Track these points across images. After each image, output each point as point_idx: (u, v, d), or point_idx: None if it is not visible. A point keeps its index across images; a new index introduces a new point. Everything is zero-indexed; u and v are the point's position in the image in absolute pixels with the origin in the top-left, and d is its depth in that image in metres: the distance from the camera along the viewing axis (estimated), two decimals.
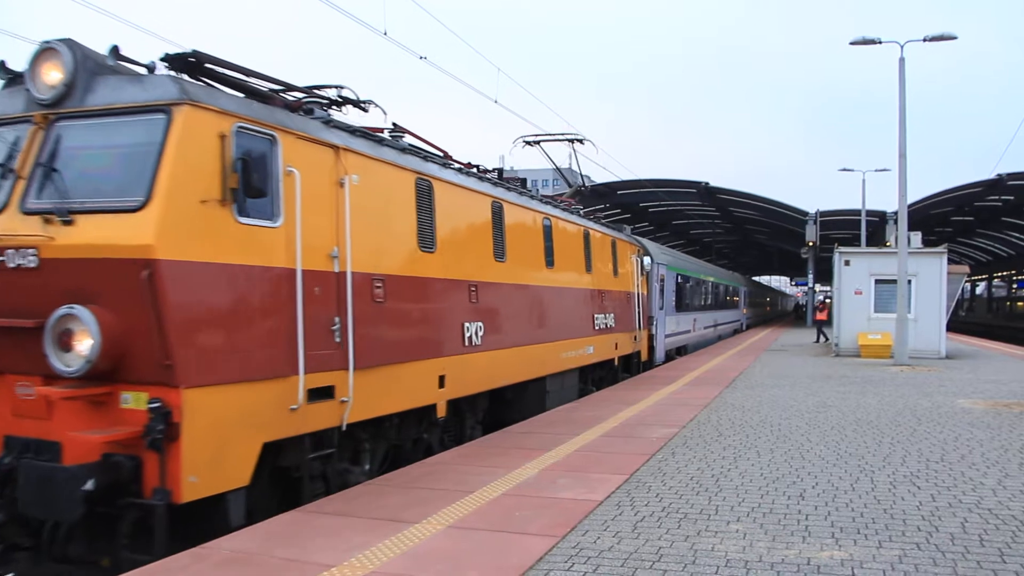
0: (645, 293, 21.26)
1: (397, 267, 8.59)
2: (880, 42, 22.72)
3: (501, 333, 11.17)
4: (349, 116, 8.72)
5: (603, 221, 19.26)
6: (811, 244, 44.92)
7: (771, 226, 56.96)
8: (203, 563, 5.37)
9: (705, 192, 47.11)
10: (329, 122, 7.88)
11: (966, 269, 33.27)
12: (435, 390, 9.36)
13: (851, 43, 22.92)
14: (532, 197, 13.51)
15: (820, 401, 13.80)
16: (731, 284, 44.55)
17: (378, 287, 8.13)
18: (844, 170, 43.54)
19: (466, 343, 10.06)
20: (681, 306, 27.37)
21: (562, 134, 16.97)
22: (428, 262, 9.25)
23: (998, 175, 39.33)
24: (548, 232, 13.49)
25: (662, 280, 23.41)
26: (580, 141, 17.11)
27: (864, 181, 43.90)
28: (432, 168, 9.70)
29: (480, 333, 10.41)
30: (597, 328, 16.08)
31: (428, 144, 10.37)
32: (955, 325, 38.82)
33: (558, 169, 18.62)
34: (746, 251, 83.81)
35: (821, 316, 35.38)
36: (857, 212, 44.19)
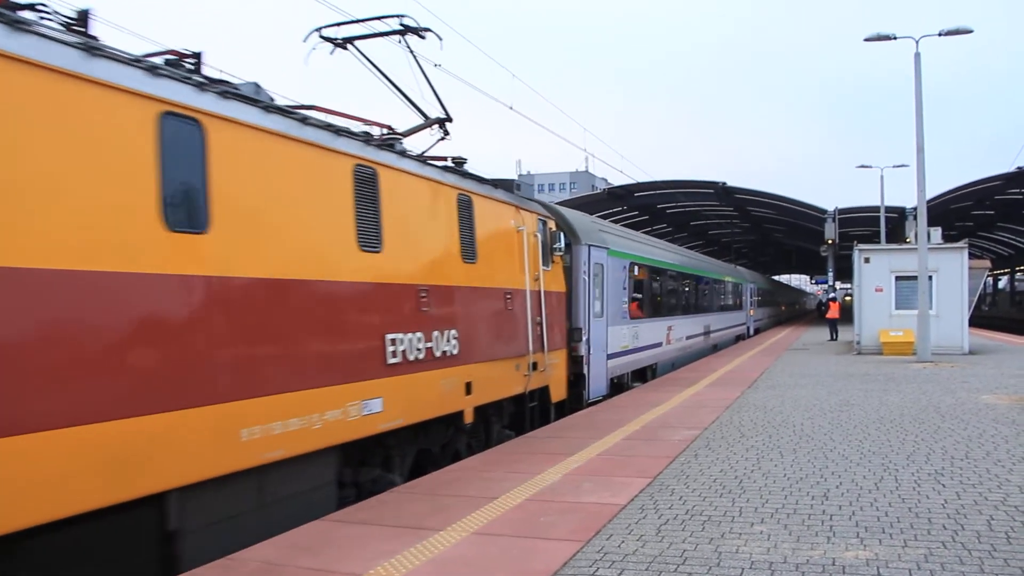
0: (563, 291, 13.87)
1: None
2: (895, 38, 22.62)
3: None
4: None
5: (465, 173, 10.86)
6: (830, 242, 44.64)
7: (789, 224, 56.69)
8: (231, 575, 5.43)
9: (722, 192, 46.95)
10: None
11: (988, 263, 33.00)
12: None
13: (865, 39, 22.86)
14: (167, 74, 6.10)
15: (843, 400, 13.74)
16: (730, 279, 36.39)
17: None
18: (862, 167, 43.55)
19: None
20: (643, 309, 19.86)
21: (381, 17, 10.11)
22: None
23: (1018, 168, 38.93)
24: (217, 160, 6.25)
25: (601, 272, 16.01)
26: (419, 35, 10.19)
27: (882, 177, 43.69)
28: None
29: None
30: (398, 360, 8.36)
31: None
32: (978, 320, 38.47)
33: (391, 83, 10.45)
34: (765, 250, 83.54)
35: (832, 314, 35.10)
36: (876, 208, 43.86)
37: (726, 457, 8.98)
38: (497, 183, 11.87)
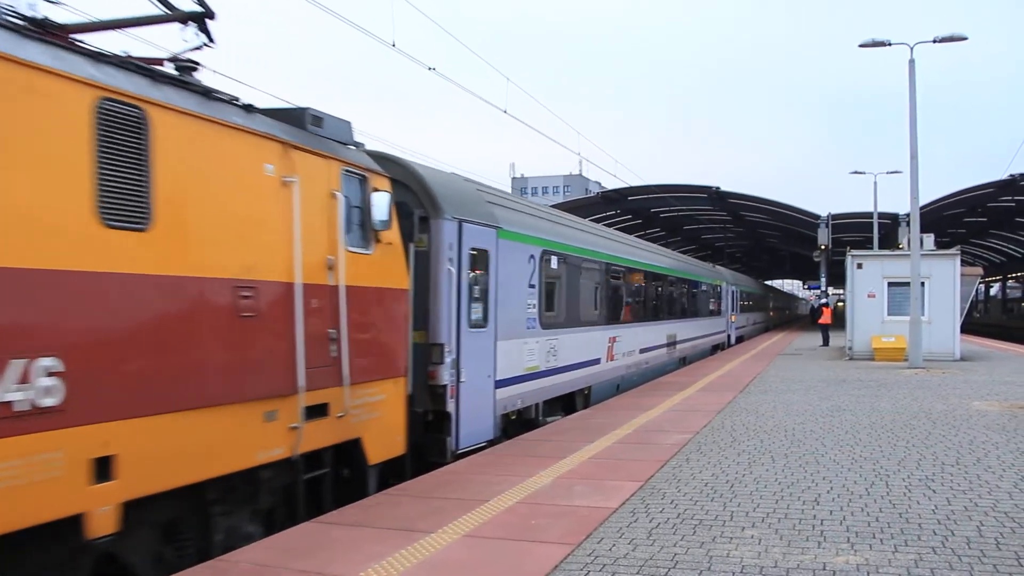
0: (403, 288, 8.93)
1: None
2: (890, 44, 22.71)
3: None
4: None
5: (148, 71, 5.92)
6: (823, 247, 44.76)
7: (783, 230, 56.85)
8: None
9: (716, 197, 47.04)
10: None
11: (980, 271, 33.17)
12: None
13: (860, 45, 22.91)
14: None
15: (834, 405, 13.76)
16: (705, 280, 30.50)
17: None
18: (855, 173, 43.76)
19: None
20: (568, 315, 14.54)
21: None
22: None
23: (1011, 175, 39.09)
24: None
25: (486, 261, 11.07)
26: None
27: (876, 184, 44.03)
28: None
29: None
30: None
31: None
32: (969, 327, 38.61)
33: None
34: (758, 255, 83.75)
35: (824, 320, 35.17)
36: (869, 215, 44.06)
37: (718, 461, 8.99)
38: (252, 107, 6.98)
